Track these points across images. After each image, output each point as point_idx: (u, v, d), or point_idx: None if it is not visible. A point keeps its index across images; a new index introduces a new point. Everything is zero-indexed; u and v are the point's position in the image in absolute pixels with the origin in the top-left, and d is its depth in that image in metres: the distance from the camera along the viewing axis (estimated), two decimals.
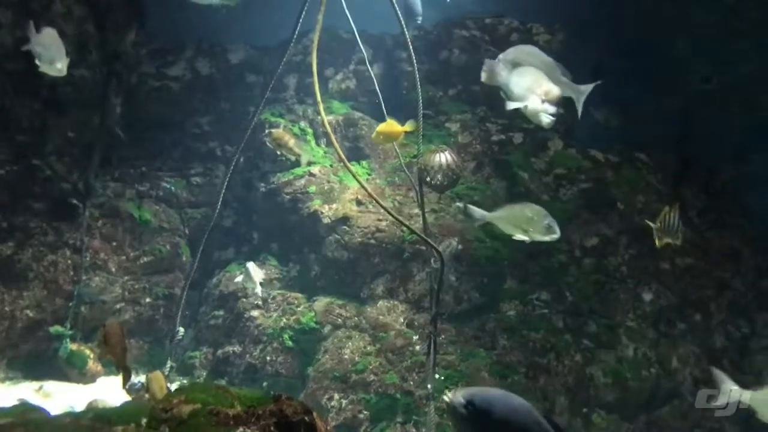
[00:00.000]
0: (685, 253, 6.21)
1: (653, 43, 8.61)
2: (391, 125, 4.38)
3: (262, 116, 6.76)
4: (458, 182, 5.51)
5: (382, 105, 5.39)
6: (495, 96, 7.43)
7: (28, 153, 6.21)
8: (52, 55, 4.14)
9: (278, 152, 5.30)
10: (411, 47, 4.96)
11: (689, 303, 6.21)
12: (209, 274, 6.86)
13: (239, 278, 6.05)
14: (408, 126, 4.32)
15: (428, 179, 4.91)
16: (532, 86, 3.55)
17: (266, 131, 5.38)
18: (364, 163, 6.95)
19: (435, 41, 7.67)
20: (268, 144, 6.12)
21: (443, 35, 7.66)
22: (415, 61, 5.25)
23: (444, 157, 4.91)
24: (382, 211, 6.20)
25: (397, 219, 4.26)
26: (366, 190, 4.20)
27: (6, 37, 6.50)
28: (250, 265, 5.81)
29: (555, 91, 3.54)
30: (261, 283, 5.80)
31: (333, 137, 4.78)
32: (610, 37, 7.23)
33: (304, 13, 4.99)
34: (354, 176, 4.37)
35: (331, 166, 6.81)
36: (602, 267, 6.05)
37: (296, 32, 5.32)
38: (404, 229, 6.01)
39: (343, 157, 4.47)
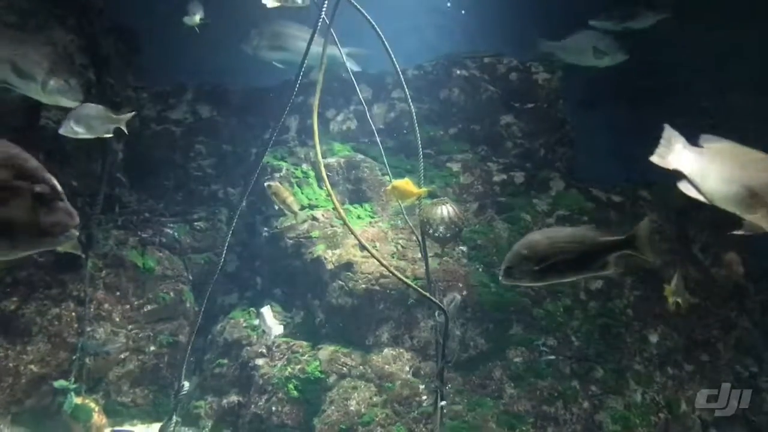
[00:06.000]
0: (691, 293, 6.16)
1: (653, 75, 8.65)
2: (407, 184, 4.30)
3: (264, 160, 6.79)
4: (461, 233, 5.50)
5: (380, 147, 5.39)
6: (495, 135, 7.51)
7: None
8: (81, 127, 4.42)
9: (276, 206, 5.31)
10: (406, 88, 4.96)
11: (696, 344, 6.17)
12: (213, 319, 6.85)
13: (257, 322, 6.04)
14: (423, 190, 4.30)
15: (430, 231, 4.89)
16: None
17: (266, 183, 5.38)
18: (366, 205, 6.95)
19: (435, 80, 7.70)
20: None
21: (443, 74, 7.69)
22: (410, 101, 5.23)
23: (445, 210, 4.89)
24: (385, 256, 6.20)
25: (399, 278, 4.24)
26: (370, 251, 4.18)
27: (8, 91, 6.53)
28: (266, 310, 5.83)
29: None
30: (277, 327, 5.80)
31: (332, 192, 4.76)
32: (608, 72, 7.25)
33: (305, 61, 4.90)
34: (353, 233, 4.34)
35: (333, 209, 6.80)
36: (608, 310, 6.01)
37: (298, 83, 5.31)
38: (409, 274, 6.01)
39: (343, 215, 4.45)
